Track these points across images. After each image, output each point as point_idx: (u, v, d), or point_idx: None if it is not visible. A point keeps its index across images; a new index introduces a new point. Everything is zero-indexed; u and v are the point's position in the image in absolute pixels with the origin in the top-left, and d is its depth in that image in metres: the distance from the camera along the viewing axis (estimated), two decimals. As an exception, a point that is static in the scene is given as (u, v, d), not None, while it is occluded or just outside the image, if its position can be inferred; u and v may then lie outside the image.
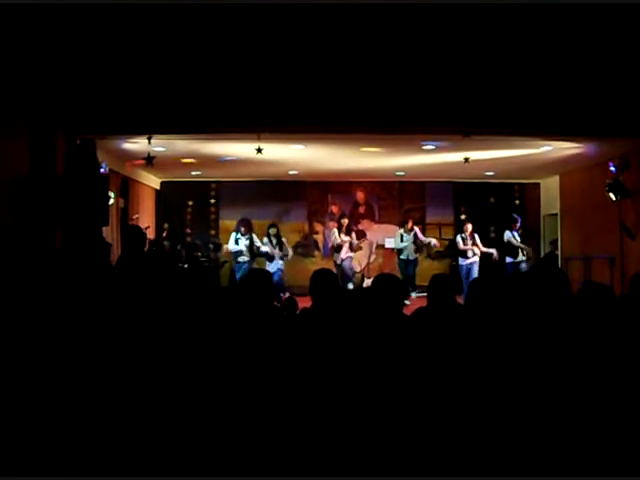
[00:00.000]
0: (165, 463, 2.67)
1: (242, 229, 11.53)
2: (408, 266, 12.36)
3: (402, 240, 12.42)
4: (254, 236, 11.59)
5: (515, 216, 11.98)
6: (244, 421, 2.85)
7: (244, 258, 11.44)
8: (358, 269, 13.31)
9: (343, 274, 11.76)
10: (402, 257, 12.43)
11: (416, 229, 12.59)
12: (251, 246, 11.46)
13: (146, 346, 3.19)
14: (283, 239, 11.91)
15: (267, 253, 11.58)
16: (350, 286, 11.72)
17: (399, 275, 12.20)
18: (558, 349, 2.87)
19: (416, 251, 12.47)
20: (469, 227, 12.03)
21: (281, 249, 11.71)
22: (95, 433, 2.73)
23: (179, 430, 2.78)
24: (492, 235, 13.64)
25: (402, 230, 12.57)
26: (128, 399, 2.87)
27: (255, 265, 11.41)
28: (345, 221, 12.37)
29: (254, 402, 2.92)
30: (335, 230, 12.35)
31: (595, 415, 2.67)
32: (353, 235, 12.32)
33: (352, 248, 12.21)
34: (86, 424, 2.76)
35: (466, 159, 10.69)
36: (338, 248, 12.11)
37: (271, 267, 11.16)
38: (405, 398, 2.91)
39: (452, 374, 2.98)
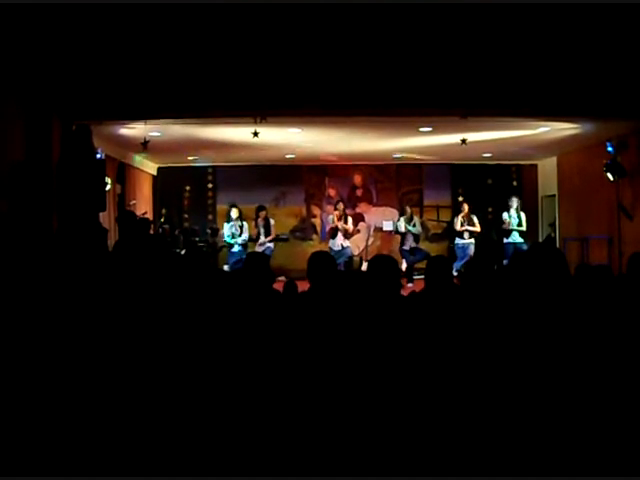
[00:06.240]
0: (157, 444, 2.67)
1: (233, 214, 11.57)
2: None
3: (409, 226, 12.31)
4: (244, 222, 11.62)
5: (512, 198, 12.02)
6: (243, 405, 2.86)
7: (236, 246, 11.46)
8: (356, 252, 13.28)
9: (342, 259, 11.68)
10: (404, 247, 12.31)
11: (416, 219, 12.46)
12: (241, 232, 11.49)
13: (144, 331, 3.19)
14: (271, 221, 11.91)
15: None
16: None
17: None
18: (556, 330, 2.87)
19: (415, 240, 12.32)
20: (465, 208, 12.09)
21: (268, 233, 11.73)
22: (86, 415, 2.73)
23: (175, 414, 2.79)
24: (490, 217, 13.70)
25: (404, 218, 12.39)
26: (126, 383, 2.88)
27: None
28: (341, 206, 12.16)
29: (253, 386, 2.92)
30: (331, 216, 12.23)
31: (595, 397, 2.67)
32: (349, 220, 12.17)
33: (346, 236, 12.08)
34: (78, 406, 2.76)
35: (463, 140, 10.64)
36: (333, 235, 11.99)
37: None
38: (403, 380, 2.92)
39: (448, 356, 2.99)
